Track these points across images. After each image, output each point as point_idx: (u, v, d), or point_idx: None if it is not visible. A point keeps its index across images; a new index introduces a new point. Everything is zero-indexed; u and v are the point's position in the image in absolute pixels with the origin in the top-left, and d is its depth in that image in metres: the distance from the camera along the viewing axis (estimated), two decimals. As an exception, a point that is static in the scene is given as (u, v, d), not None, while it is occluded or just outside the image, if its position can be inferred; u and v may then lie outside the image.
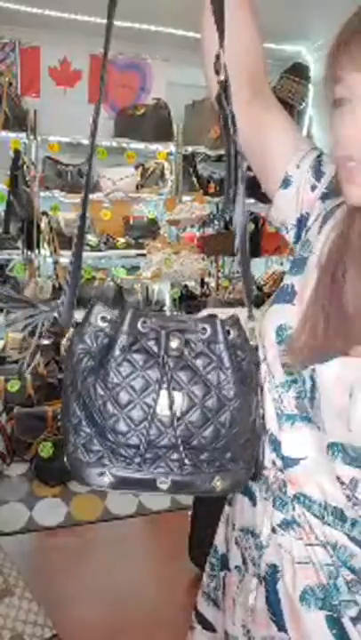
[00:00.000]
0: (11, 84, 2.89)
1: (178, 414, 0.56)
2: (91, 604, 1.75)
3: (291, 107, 3.18)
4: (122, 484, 0.58)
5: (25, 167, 2.85)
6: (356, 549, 0.64)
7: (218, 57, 0.58)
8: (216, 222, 3.38)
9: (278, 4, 2.26)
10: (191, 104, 3.17)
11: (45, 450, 2.23)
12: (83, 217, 0.64)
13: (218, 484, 0.60)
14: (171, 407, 0.56)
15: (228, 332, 0.60)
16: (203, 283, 3.48)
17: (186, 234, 3.36)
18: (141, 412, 0.56)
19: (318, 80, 3.19)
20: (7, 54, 2.99)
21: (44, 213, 2.99)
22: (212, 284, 3.48)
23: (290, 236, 0.75)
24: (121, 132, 3.15)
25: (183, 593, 1.82)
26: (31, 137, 2.93)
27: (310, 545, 0.66)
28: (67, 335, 0.61)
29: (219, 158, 3.33)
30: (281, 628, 0.68)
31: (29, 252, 2.93)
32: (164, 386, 0.56)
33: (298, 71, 3.14)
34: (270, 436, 0.67)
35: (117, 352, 0.57)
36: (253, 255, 3.11)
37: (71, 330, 0.62)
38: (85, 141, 3.11)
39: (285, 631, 0.68)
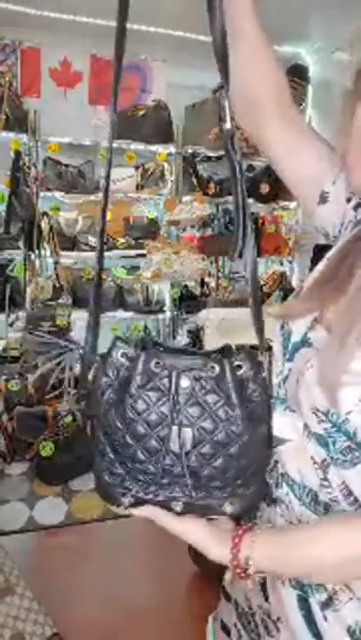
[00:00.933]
0: (11, 84, 2.90)
1: (188, 447, 0.62)
2: (91, 602, 1.75)
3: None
4: (141, 504, 0.65)
5: (25, 168, 2.86)
6: None
7: (223, 105, 0.59)
8: (216, 222, 3.39)
9: (278, 6, 2.27)
10: (191, 105, 3.18)
11: (46, 449, 2.24)
12: (99, 261, 0.67)
13: (228, 508, 0.65)
14: (180, 441, 0.62)
15: (240, 367, 0.64)
16: (203, 283, 3.49)
17: (186, 234, 3.37)
18: (156, 444, 0.63)
19: (318, 81, 3.20)
20: (8, 55, 3.00)
21: (45, 214, 3.00)
22: (212, 284, 3.49)
23: (330, 241, 0.79)
24: (121, 132, 3.15)
25: (183, 592, 1.83)
26: (31, 137, 2.94)
27: (290, 523, 0.69)
28: (92, 368, 0.67)
29: (219, 159, 3.33)
30: (266, 598, 0.73)
31: (30, 252, 2.94)
32: (175, 421, 0.62)
33: (297, 72, 3.14)
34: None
35: (133, 390, 0.63)
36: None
37: (95, 365, 0.67)
38: (86, 142, 3.12)
39: (269, 602, 0.73)
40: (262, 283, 3.57)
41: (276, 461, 0.72)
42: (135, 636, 1.64)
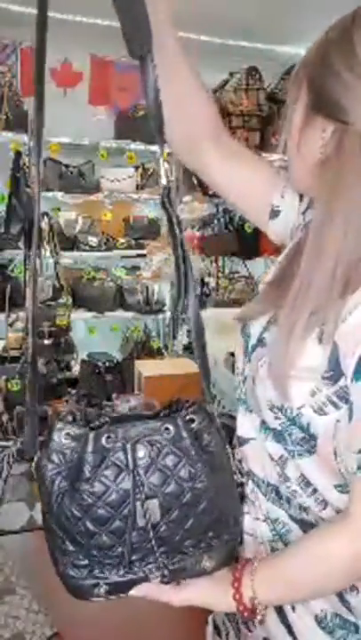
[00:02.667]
0: (11, 84, 2.90)
1: (158, 518, 0.58)
2: (91, 602, 1.75)
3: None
4: (117, 588, 0.61)
5: (26, 168, 2.86)
6: (293, 525, 0.69)
7: (162, 160, 0.62)
8: (216, 222, 3.39)
9: (278, 7, 2.28)
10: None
11: (46, 449, 2.23)
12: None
13: (207, 564, 0.63)
14: (147, 515, 0.58)
15: (192, 420, 0.62)
16: (203, 283, 3.49)
17: (186, 234, 3.37)
18: (121, 523, 0.58)
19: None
20: (8, 55, 3.00)
21: (45, 214, 3.00)
22: (212, 284, 3.49)
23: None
24: (121, 133, 3.16)
25: (183, 592, 1.83)
26: (32, 138, 2.94)
27: (256, 519, 0.72)
28: (34, 460, 0.61)
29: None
30: None
31: (30, 253, 2.93)
32: (138, 497, 0.58)
33: (298, 72, 3.14)
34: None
35: (87, 473, 0.58)
36: (253, 255, 3.11)
37: (37, 454, 0.62)
38: (85, 142, 3.12)
39: None
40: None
41: (240, 460, 0.74)
42: (135, 636, 1.64)
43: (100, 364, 2.81)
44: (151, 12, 0.54)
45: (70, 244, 3.17)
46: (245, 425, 0.72)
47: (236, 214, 2.99)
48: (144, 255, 3.15)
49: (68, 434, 0.60)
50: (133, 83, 3.26)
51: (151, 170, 3.30)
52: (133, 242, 3.29)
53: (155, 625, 1.66)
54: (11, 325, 2.93)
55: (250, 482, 0.73)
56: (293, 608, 0.68)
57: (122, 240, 3.30)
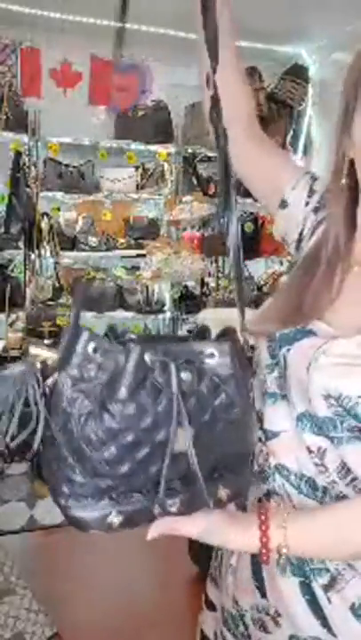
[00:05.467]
0: (11, 84, 2.90)
1: (191, 446, 0.53)
2: (91, 602, 1.75)
3: (290, 107, 3.19)
4: (131, 519, 0.55)
5: (25, 168, 2.86)
6: None
7: (209, 75, 0.62)
8: (216, 222, 3.39)
9: (279, 6, 2.28)
10: (191, 105, 3.18)
11: (46, 449, 2.23)
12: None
13: (222, 494, 0.59)
14: (182, 442, 0.53)
15: (213, 355, 0.57)
16: (203, 283, 3.49)
17: (186, 234, 3.37)
18: (152, 451, 0.52)
19: (318, 81, 3.20)
20: (8, 55, 3.00)
21: (45, 214, 3.00)
22: (212, 284, 3.48)
23: (291, 248, 0.85)
24: (121, 133, 3.16)
25: (183, 592, 1.83)
26: (32, 138, 2.94)
27: (287, 513, 0.69)
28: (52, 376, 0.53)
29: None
30: (263, 595, 0.73)
31: (30, 252, 2.94)
32: (174, 422, 0.52)
33: (298, 72, 3.14)
34: (257, 413, 0.73)
35: (124, 393, 0.51)
36: (253, 255, 3.11)
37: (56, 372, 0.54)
38: (85, 142, 3.12)
39: (266, 597, 0.73)
40: (262, 283, 3.57)
41: (261, 454, 0.73)
42: (135, 637, 1.64)
43: (100, 363, 2.81)
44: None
45: (70, 244, 3.17)
46: (276, 417, 0.71)
47: (236, 214, 2.98)
48: (144, 255, 3.15)
49: (96, 348, 0.52)
50: (133, 83, 3.27)
51: (151, 170, 3.30)
52: (133, 242, 3.29)
53: (154, 626, 1.66)
54: (11, 325, 2.93)
55: (277, 476, 0.71)
56: (329, 599, 0.68)
57: (122, 240, 3.30)
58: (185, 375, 0.53)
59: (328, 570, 0.68)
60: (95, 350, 0.52)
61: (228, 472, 0.60)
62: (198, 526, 0.61)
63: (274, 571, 0.71)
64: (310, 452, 0.68)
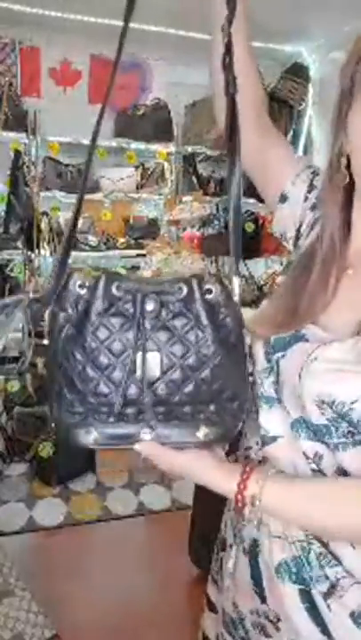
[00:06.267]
0: (11, 84, 2.89)
1: (158, 374, 0.58)
2: (91, 603, 1.75)
3: (290, 107, 3.18)
4: (107, 439, 0.60)
5: (25, 167, 2.85)
6: None
7: (227, 25, 0.63)
8: (216, 222, 3.38)
9: (279, 5, 2.27)
10: (191, 104, 3.17)
11: (45, 450, 2.23)
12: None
13: (201, 434, 0.61)
14: (144, 368, 0.58)
15: (210, 291, 0.61)
16: (203, 283, 3.48)
17: (186, 234, 3.36)
18: (121, 373, 0.58)
19: (318, 80, 3.20)
20: (7, 54, 2.99)
21: (45, 213, 2.99)
22: (212, 284, 3.48)
23: (289, 244, 0.84)
24: (121, 132, 3.15)
25: (183, 593, 1.82)
26: (31, 137, 2.93)
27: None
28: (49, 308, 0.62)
29: (219, 158, 3.33)
30: (263, 600, 0.73)
31: (29, 252, 2.93)
32: (139, 348, 0.58)
33: (298, 71, 3.14)
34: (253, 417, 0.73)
35: (93, 317, 0.58)
36: (254, 255, 3.10)
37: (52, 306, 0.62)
38: (85, 141, 3.11)
39: (267, 604, 0.72)
40: (262, 283, 3.56)
41: (259, 460, 0.73)
42: (134, 637, 1.64)
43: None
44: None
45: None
46: (272, 422, 0.71)
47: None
48: (144, 255, 3.14)
49: (82, 284, 0.60)
50: (133, 82, 3.26)
51: (151, 169, 3.29)
52: (133, 242, 3.28)
53: (154, 627, 1.66)
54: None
55: None
56: (329, 607, 0.67)
57: (122, 240, 3.29)
58: (150, 306, 0.59)
59: (327, 577, 0.67)
60: (80, 287, 0.60)
61: (212, 414, 0.62)
62: (179, 459, 0.63)
63: (274, 578, 0.70)
64: (307, 457, 0.67)
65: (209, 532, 1.59)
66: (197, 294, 0.59)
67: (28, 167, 2.88)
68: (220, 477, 0.64)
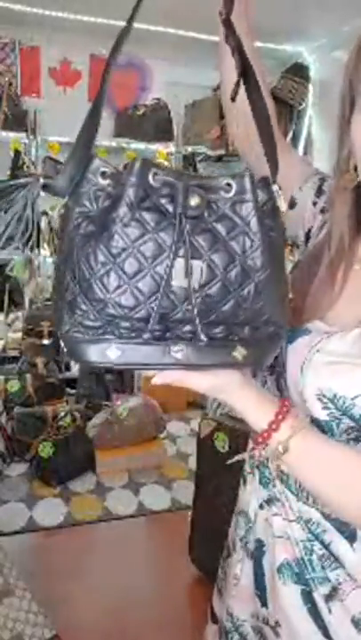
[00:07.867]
0: (11, 83, 2.89)
1: (196, 286, 0.49)
2: (91, 604, 1.75)
3: (291, 107, 3.18)
4: (130, 357, 0.50)
5: (25, 167, 2.85)
6: (328, 525, 0.67)
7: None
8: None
9: (279, 5, 2.26)
10: (191, 104, 3.17)
11: (45, 450, 2.23)
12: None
13: (237, 354, 0.53)
14: (188, 277, 0.48)
15: (263, 195, 0.52)
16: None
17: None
18: (153, 282, 0.48)
19: (318, 80, 3.19)
20: (7, 54, 2.99)
21: (44, 213, 2.99)
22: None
23: (301, 249, 0.84)
24: (121, 131, 3.15)
25: (183, 593, 1.82)
26: (31, 137, 2.93)
27: (288, 520, 0.69)
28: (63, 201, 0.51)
29: (219, 158, 3.33)
30: (264, 603, 0.73)
31: (29, 252, 2.93)
32: (181, 252, 0.48)
33: (298, 71, 3.13)
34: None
35: (124, 209, 0.47)
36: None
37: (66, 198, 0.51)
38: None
39: (267, 606, 0.72)
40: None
41: (268, 459, 0.72)
42: (134, 637, 1.64)
43: (99, 364, 2.81)
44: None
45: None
46: None
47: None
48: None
49: (105, 172, 0.49)
50: (133, 82, 3.26)
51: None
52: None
53: (154, 627, 1.66)
54: (10, 325, 2.93)
55: (278, 483, 0.70)
56: (330, 610, 0.67)
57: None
58: (194, 201, 0.48)
59: (329, 580, 0.67)
60: (104, 175, 0.49)
61: (251, 337, 0.54)
62: (208, 380, 0.55)
63: (275, 578, 0.70)
64: None
65: (209, 532, 1.59)
66: (250, 195, 0.50)
67: (27, 167, 2.88)
68: (252, 404, 0.59)
